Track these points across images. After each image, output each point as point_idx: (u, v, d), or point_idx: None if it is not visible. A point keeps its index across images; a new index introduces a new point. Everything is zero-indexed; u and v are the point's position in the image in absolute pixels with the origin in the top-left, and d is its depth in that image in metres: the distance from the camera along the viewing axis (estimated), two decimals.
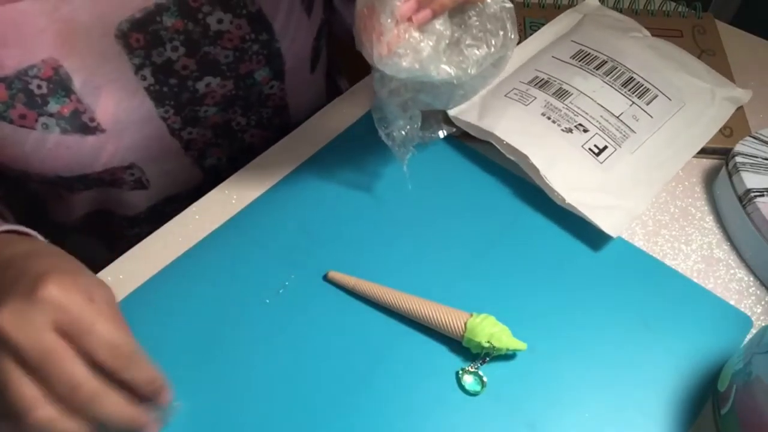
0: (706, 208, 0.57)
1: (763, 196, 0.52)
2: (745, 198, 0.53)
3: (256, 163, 0.60)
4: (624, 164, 0.56)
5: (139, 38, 0.51)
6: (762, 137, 0.57)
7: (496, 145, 0.57)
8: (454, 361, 0.47)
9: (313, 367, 0.47)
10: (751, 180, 0.53)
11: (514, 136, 0.57)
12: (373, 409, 0.45)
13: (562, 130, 0.58)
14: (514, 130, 0.57)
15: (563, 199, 0.54)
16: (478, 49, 0.47)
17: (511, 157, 0.57)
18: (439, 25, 0.45)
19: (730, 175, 0.55)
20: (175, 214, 0.55)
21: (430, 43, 0.44)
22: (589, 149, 0.57)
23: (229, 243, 0.54)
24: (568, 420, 0.44)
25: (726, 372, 0.44)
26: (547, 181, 0.54)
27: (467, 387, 0.45)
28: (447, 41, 0.45)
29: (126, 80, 0.52)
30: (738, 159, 0.55)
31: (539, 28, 0.71)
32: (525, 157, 0.56)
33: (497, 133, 0.57)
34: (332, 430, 0.44)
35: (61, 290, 0.34)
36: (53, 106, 0.50)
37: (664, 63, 0.64)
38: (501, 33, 0.48)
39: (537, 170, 0.55)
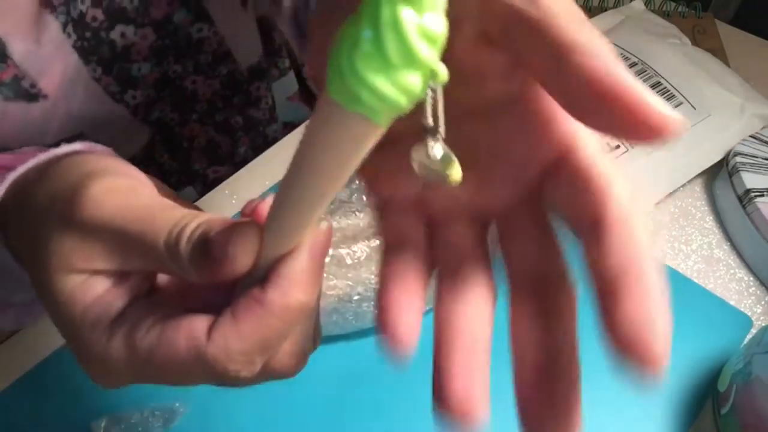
0: (706, 208, 0.57)
1: (763, 196, 0.52)
2: (745, 198, 0.53)
3: (256, 162, 0.59)
4: (634, 167, 0.56)
5: None
6: (762, 137, 0.57)
7: None
8: None
9: (313, 367, 0.47)
10: (751, 180, 0.53)
11: None
12: (373, 412, 0.45)
13: None
14: None
15: None
16: None
17: None
18: None
19: (730, 175, 0.55)
20: None
21: None
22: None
23: None
24: None
25: (726, 372, 0.44)
26: None
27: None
28: None
29: (60, 41, 0.50)
30: (738, 159, 0.55)
31: None
32: None
33: None
34: None
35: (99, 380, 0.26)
36: None
37: (696, 72, 0.63)
38: None
39: None
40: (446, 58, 0.18)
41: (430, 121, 0.19)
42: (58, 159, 0.30)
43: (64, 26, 0.50)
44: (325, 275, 0.45)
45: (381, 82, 0.16)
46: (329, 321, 0.46)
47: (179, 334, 0.23)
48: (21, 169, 0.29)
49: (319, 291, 0.25)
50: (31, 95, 0.50)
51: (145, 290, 0.26)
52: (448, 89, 0.19)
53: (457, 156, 0.20)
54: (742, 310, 0.50)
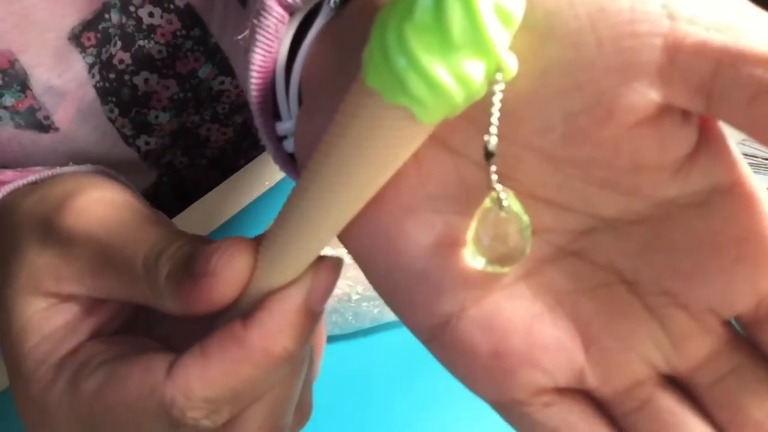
0: None
1: None
2: None
3: (257, 161, 0.60)
4: None
5: (90, 36, 0.50)
6: None
7: None
8: None
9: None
10: None
11: None
12: (373, 412, 0.45)
13: None
14: None
15: None
16: None
17: None
18: None
19: None
20: None
21: None
22: None
23: None
24: None
25: None
26: None
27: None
28: None
29: (82, 80, 0.51)
30: None
31: None
32: None
33: None
34: None
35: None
36: (8, 99, 0.48)
37: None
38: None
39: None
40: (596, 148, 0.14)
41: (494, 140, 0.14)
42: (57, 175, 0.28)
43: (91, 67, 0.51)
44: None
45: (436, 66, 0.12)
46: (329, 321, 0.46)
47: (133, 369, 0.19)
48: (18, 182, 0.27)
49: (309, 343, 0.20)
50: (43, 126, 0.51)
51: (112, 329, 0.23)
52: (601, 197, 0.15)
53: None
54: None
